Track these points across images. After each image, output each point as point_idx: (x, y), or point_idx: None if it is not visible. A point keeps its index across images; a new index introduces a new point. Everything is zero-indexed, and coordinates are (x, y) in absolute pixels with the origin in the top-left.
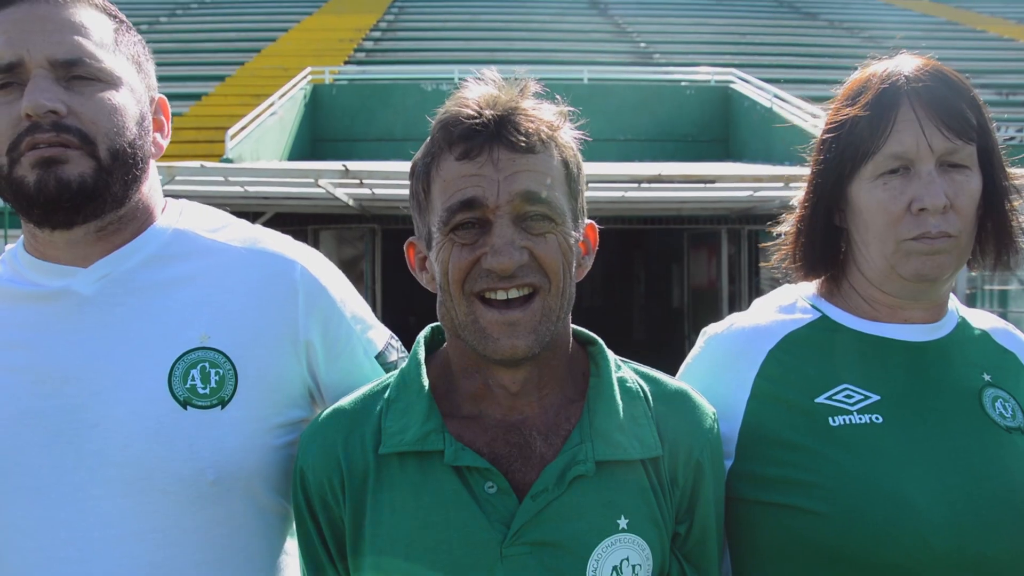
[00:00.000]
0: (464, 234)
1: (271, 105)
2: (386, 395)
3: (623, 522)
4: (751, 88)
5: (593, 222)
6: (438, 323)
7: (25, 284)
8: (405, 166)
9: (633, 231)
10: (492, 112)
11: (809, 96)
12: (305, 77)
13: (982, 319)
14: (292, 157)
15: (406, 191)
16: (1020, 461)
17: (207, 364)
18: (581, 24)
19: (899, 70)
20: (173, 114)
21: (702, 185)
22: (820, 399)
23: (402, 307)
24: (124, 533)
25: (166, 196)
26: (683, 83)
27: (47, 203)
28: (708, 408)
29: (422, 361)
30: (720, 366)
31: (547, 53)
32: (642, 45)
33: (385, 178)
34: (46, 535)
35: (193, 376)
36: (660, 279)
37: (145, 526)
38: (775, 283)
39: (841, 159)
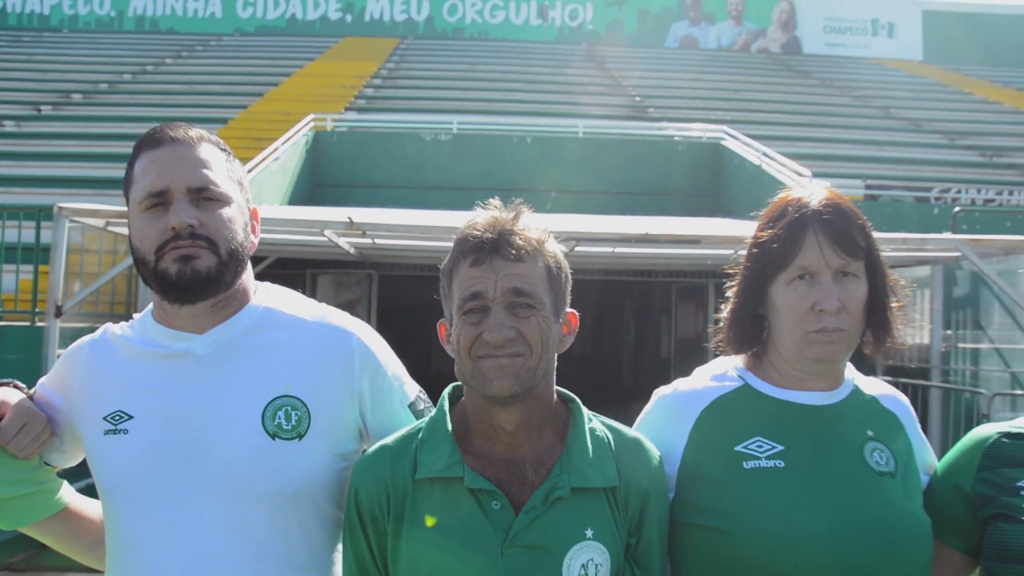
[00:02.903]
0: (472, 317)
1: (275, 151)
2: (419, 436)
3: (589, 532)
4: (740, 145)
5: (575, 311)
6: (457, 383)
7: (155, 345)
8: (406, 217)
9: (624, 283)
10: (491, 234)
11: (799, 154)
12: (307, 123)
13: (874, 386)
14: (293, 202)
15: (405, 241)
16: (884, 498)
17: (289, 407)
18: (578, 76)
19: (808, 203)
20: None
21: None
22: (738, 447)
23: (396, 350)
24: (227, 530)
25: None
26: (676, 138)
27: (184, 286)
28: (655, 452)
29: (447, 411)
30: (665, 420)
31: (543, 105)
32: (637, 99)
33: (388, 230)
34: (171, 530)
35: (279, 416)
36: (649, 329)
37: (241, 525)
38: None
39: (764, 266)
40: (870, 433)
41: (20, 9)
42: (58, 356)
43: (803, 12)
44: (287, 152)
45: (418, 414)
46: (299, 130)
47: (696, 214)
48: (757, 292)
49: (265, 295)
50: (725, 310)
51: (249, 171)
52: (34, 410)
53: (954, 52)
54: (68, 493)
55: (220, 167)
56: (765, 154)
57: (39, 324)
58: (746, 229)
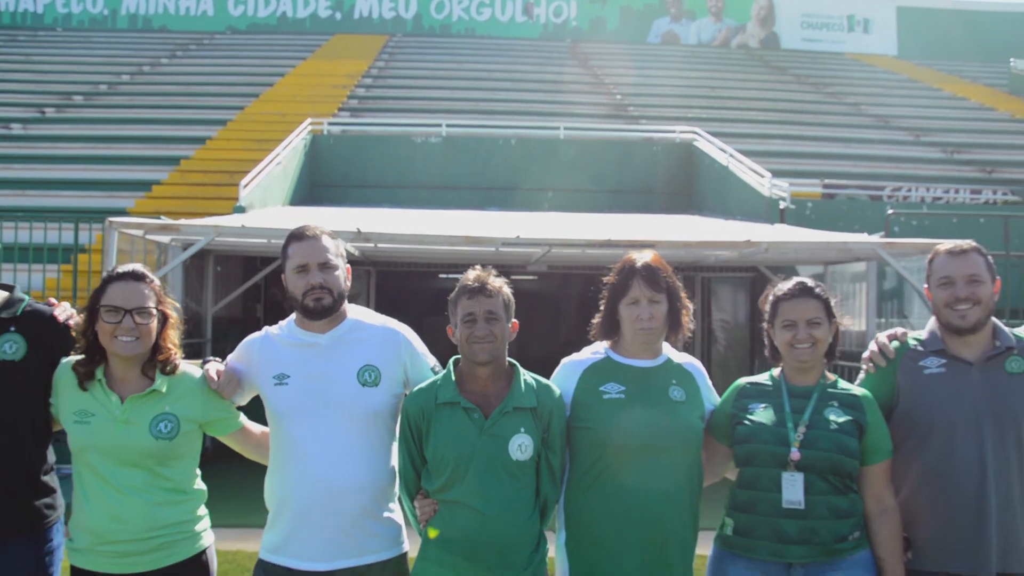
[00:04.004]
0: (467, 324)
1: (276, 156)
2: (438, 382)
3: (522, 429)
4: (710, 146)
5: (516, 321)
6: (455, 356)
7: (297, 340)
8: (405, 225)
9: (594, 278)
10: (477, 284)
11: (769, 151)
12: (305, 128)
13: (681, 358)
14: (294, 202)
15: (404, 246)
16: (675, 414)
17: (370, 370)
18: (561, 75)
19: (636, 264)
20: (180, 157)
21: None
22: (601, 388)
23: None
24: (342, 433)
25: (210, 249)
26: (653, 136)
27: (317, 313)
28: (557, 390)
29: (452, 370)
30: (565, 375)
31: (528, 104)
32: (618, 97)
33: (391, 239)
34: (316, 433)
35: (365, 375)
36: None
37: (349, 430)
38: (723, 323)
39: (615, 296)
40: (673, 381)
41: (14, 8)
42: None
43: (781, 8)
44: (287, 156)
45: (435, 373)
46: (298, 134)
47: (671, 211)
48: (613, 308)
49: (354, 312)
50: (597, 317)
51: (255, 176)
52: (232, 372)
53: (927, 47)
54: (243, 419)
55: (332, 248)
56: (732, 155)
57: None
58: (704, 231)
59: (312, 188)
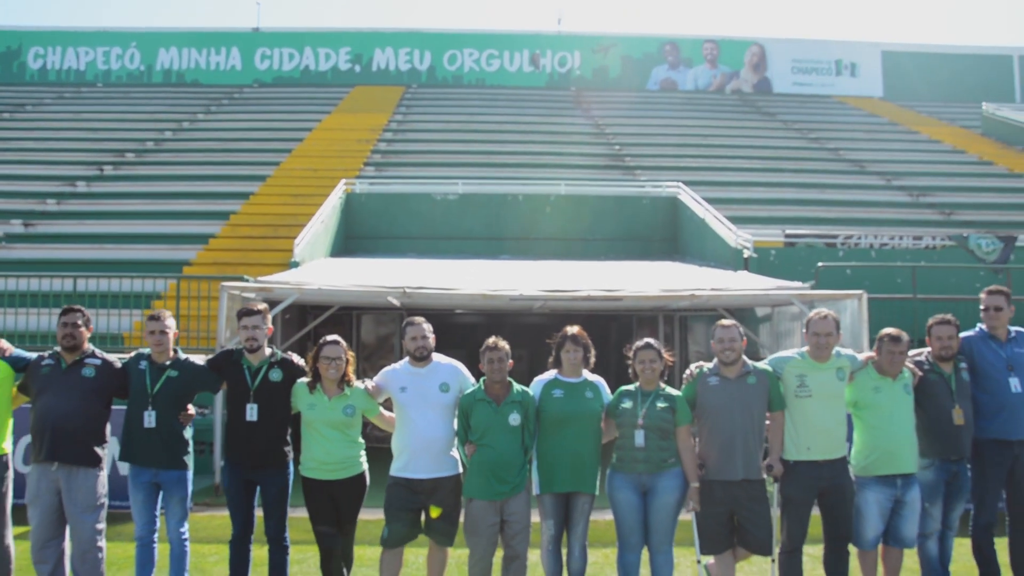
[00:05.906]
0: (490, 364)
1: (321, 217)
2: (475, 389)
3: (515, 411)
4: (690, 199)
5: (512, 360)
6: (483, 377)
7: (409, 370)
8: (437, 280)
9: (593, 317)
10: (494, 345)
11: (746, 199)
12: (341, 188)
13: (595, 378)
14: (334, 253)
15: (437, 302)
16: (587, 403)
17: (444, 385)
18: (565, 125)
19: (567, 333)
20: (229, 212)
21: (620, 295)
22: (552, 392)
23: None
24: (431, 416)
25: (297, 304)
26: (643, 188)
27: (420, 360)
28: (531, 393)
29: (481, 384)
30: (535, 385)
31: (535, 156)
32: (616, 147)
33: (428, 297)
34: (420, 416)
35: (442, 387)
36: (617, 353)
37: (435, 414)
38: (698, 354)
39: (558, 348)
40: (588, 388)
41: (59, 66)
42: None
43: (773, 54)
44: (327, 213)
45: (473, 385)
46: (335, 194)
47: (659, 257)
48: (557, 354)
49: (436, 357)
50: (551, 358)
51: (306, 235)
52: (377, 386)
53: (911, 89)
54: (381, 409)
55: (427, 330)
56: (707, 209)
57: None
58: (670, 281)
59: (347, 240)
